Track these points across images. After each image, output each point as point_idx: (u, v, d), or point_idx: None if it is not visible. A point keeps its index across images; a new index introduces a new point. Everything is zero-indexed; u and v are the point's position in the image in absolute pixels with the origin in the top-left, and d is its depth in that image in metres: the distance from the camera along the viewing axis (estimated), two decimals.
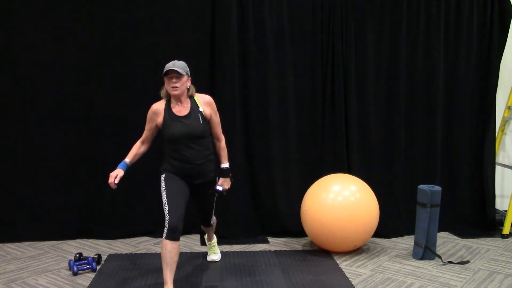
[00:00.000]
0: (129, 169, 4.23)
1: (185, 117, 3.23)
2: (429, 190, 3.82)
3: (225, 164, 3.43)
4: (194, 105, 3.27)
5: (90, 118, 4.27)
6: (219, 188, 3.36)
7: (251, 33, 4.33)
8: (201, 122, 3.24)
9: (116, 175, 3.16)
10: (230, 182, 3.45)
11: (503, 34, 4.63)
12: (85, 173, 4.30)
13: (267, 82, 4.38)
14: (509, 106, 4.83)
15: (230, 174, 3.44)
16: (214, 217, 3.71)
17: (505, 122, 4.88)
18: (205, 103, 3.29)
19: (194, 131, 3.21)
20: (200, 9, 4.27)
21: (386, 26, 4.50)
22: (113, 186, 3.15)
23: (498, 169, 4.89)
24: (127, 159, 3.29)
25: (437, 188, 3.86)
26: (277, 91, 4.41)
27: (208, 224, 3.72)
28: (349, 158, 4.51)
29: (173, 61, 3.21)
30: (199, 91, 3.34)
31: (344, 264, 3.80)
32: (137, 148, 3.35)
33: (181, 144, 3.21)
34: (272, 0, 4.34)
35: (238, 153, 4.34)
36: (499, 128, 4.85)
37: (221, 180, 3.41)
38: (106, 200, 4.31)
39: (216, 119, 3.35)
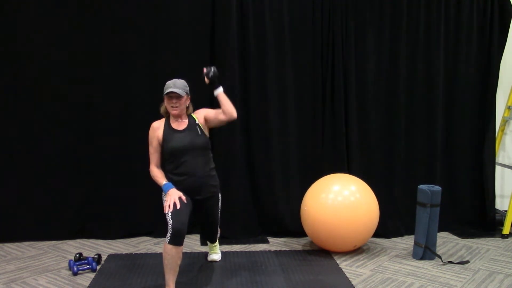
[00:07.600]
0: (129, 169, 4.30)
1: (184, 130, 3.28)
2: (429, 190, 3.82)
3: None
4: (192, 121, 3.33)
5: (89, 118, 4.27)
6: (207, 70, 3.27)
7: (251, 33, 4.33)
8: (199, 134, 3.29)
9: (180, 195, 3.12)
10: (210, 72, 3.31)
11: (503, 34, 4.63)
12: (85, 173, 4.30)
13: (267, 82, 4.37)
14: (509, 106, 4.83)
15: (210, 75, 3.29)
16: (219, 230, 3.72)
17: (505, 122, 4.87)
18: (197, 113, 3.34)
19: (194, 142, 3.25)
20: (200, 9, 4.27)
21: (386, 26, 4.50)
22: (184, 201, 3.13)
23: (498, 169, 4.89)
24: (166, 180, 3.24)
25: (437, 188, 3.86)
26: (277, 91, 4.41)
27: (214, 240, 3.75)
28: (349, 158, 4.50)
29: (173, 80, 3.24)
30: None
31: (344, 264, 3.80)
32: (159, 170, 3.31)
33: (182, 157, 3.22)
34: (272, 0, 4.34)
35: (238, 153, 4.34)
36: (499, 128, 4.85)
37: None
38: (106, 200, 4.32)
39: (211, 110, 3.37)
